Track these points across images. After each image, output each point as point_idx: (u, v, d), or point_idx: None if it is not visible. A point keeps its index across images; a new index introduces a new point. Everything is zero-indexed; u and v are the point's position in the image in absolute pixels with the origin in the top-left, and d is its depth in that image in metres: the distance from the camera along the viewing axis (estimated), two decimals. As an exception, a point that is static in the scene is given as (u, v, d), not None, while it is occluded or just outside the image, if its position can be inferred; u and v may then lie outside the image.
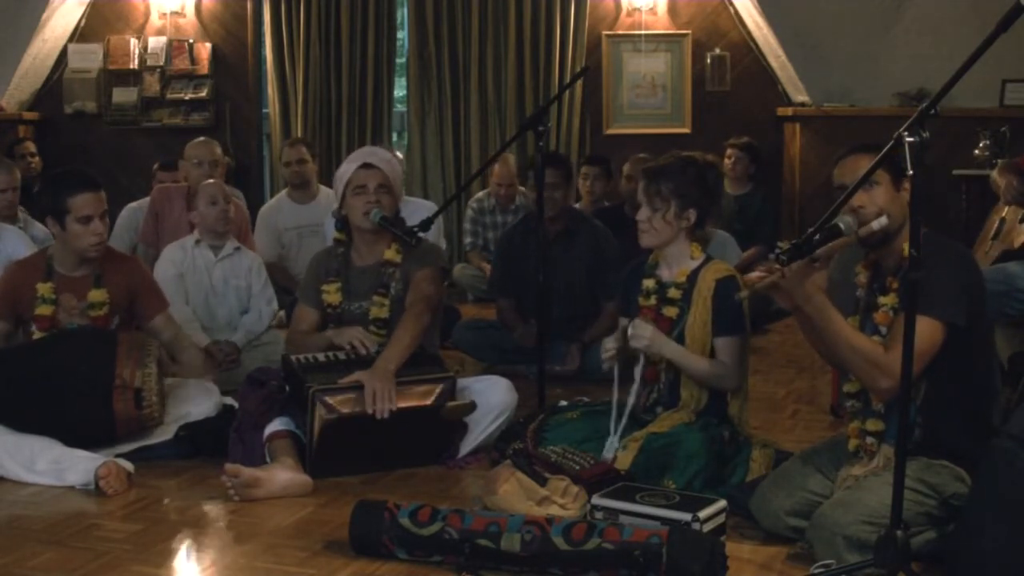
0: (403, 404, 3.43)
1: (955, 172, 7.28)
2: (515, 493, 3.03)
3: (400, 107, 8.82)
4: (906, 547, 2.45)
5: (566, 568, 2.67)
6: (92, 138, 8.57)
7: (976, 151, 7.31)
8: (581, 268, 5.01)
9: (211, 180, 5.08)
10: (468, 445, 3.68)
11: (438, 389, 3.53)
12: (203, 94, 8.47)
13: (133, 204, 6.05)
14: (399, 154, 6.43)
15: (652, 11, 8.05)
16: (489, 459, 3.59)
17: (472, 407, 3.61)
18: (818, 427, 4.09)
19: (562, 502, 3.02)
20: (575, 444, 3.33)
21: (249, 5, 8.42)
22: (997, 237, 4.52)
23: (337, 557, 2.84)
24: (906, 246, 2.47)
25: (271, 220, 6.37)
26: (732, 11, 7.99)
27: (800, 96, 7.90)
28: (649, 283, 3.46)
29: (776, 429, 4.01)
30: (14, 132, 8.34)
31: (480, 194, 7.21)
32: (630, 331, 3.35)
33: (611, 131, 8.18)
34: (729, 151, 7.10)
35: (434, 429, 3.59)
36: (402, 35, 8.61)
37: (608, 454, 3.28)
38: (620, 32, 8.12)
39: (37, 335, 3.76)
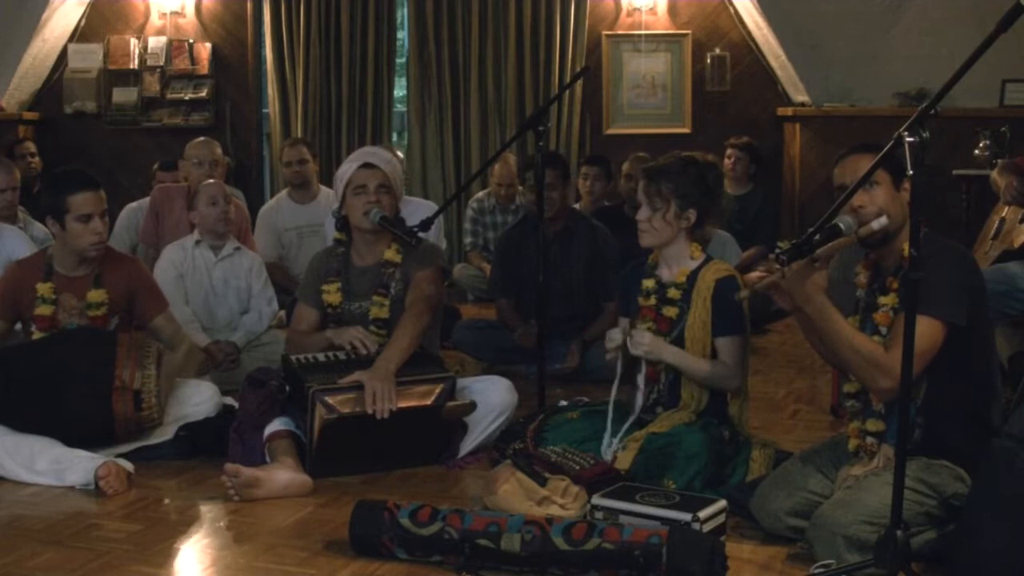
0: (403, 404, 3.43)
1: (955, 172, 7.28)
2: (515, 493, 3.03)
3: (400, 107, 8.82)
4: (906, 547, 2.46)
5: (566, 568, 2.67)
6: (92, 138, 8.57)
7: (976, 151, 7.31)
8: (580, 268, 5.01)
9: (211, 180, 5.08)
10: (468, 445, 3.69)
11: (438, 389, 3.53)
12: (203, 94, 8.47)
13: (133, 204, 6.05)
14: (400, 154, 6.43)
15: (652, 11, 8.06)
16: (489, 459, 3.59)
17: (472, 407, 3.61)
18: (818, 427, 4.09)
19: (562, 502, 3.02)
20: (575, 444, 3.33)
21: (249, 5, 8.42)
22: (997, 237, 4.52)
23: (337, 557, 2.84)
24: (906, 246, 2.47)
25: (271, 220, 6.37)
26: (732, 11, 7.99)
27: (800, 96, 7.91)
28: (649, 283, 3.46)
29: (776, 429, 4.01)
30: (14, 132, 8.35)
31: (480, 194, 7.21)
32: (629, 339, 3.35)
33: (611, 131, 8.18)
34: (729, 151, 7.09)
35: (434, 429, 3.59)
36: (402, 35, 8.61)
37: (606, 453, 3.28)
38: (620, 32, 8.13)
39: (37, 335, 3.76)
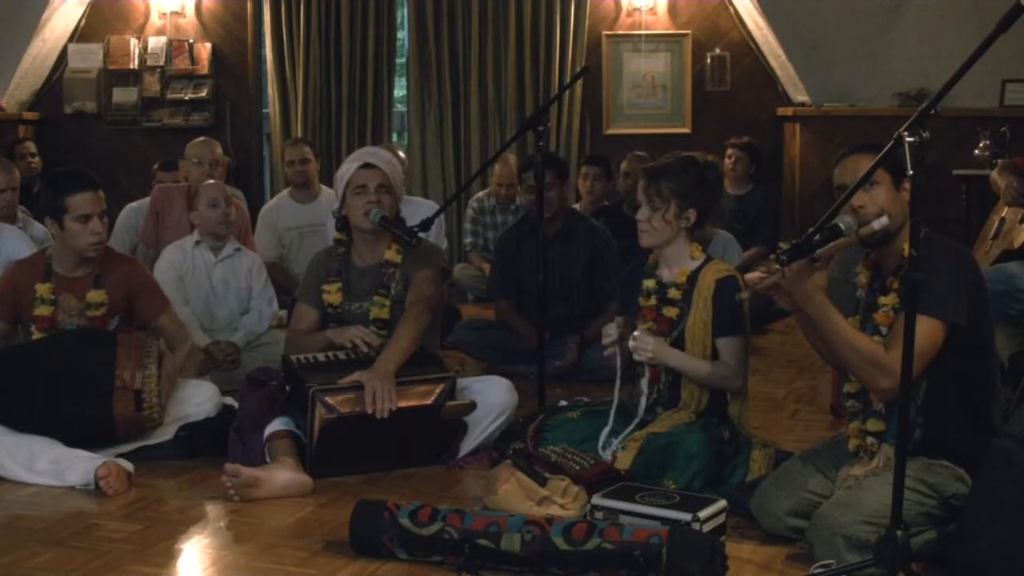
0: (403, 404, 3.43)
1: (955, 172, 7.27)
2: (515, 493, 3.03)
3: (400, 107, 8.82)
4: (906, 547, 2.46)
5: (566, 568, 2.67)
6: (92, 138, 8.58)
7: (976, 151, 7.30)
8: (579, 268, 5.01)
9: (212, 181, 5.07)
10: (468, 445, 3.69)
11: (438, 389, 3.53)
12: (203, 94, 8.47)
13: (133, 204, 6.05)
14: (402, 154, 6.42)
15: (652, 11, 8.06)
16: (489, 459, 3.59)
17: (472, 407, 3.61)
18: (818, 427, 4.09)
19: (562, 502, 3.02)
20: (575, 444, 3.33)
21: (249, 5, 8.42)
22: (997, 237, 4.52)
23: (337, 557, 2.84)
24: (906, 246, 2.47)
25: (272, 220, 6.37)
26: (732, 11, 7.99)
27: (800, 96, 7.90)
28: (649, 283, 3.46)
29: (776, 429, 4.00)
30: (14, 132, 8.35)
31: (480, 194, 7.21)
32: (632, 343, 3.34)
33: (611, 131, 8.18)
34: (729, 151, 7.10)
35: (434, 429, 3.59)
36: (402, 35, 8.61)
37: (605, 453, 3.28)
38: (620, 32, 8.12)
39: (36, 335, 3.76)
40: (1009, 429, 2.63)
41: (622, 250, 5.03)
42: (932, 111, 2.37)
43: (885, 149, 2.55)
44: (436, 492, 3.37)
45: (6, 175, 5.01)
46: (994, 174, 4.64)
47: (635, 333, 3.36)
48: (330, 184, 4.89)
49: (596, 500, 2.92)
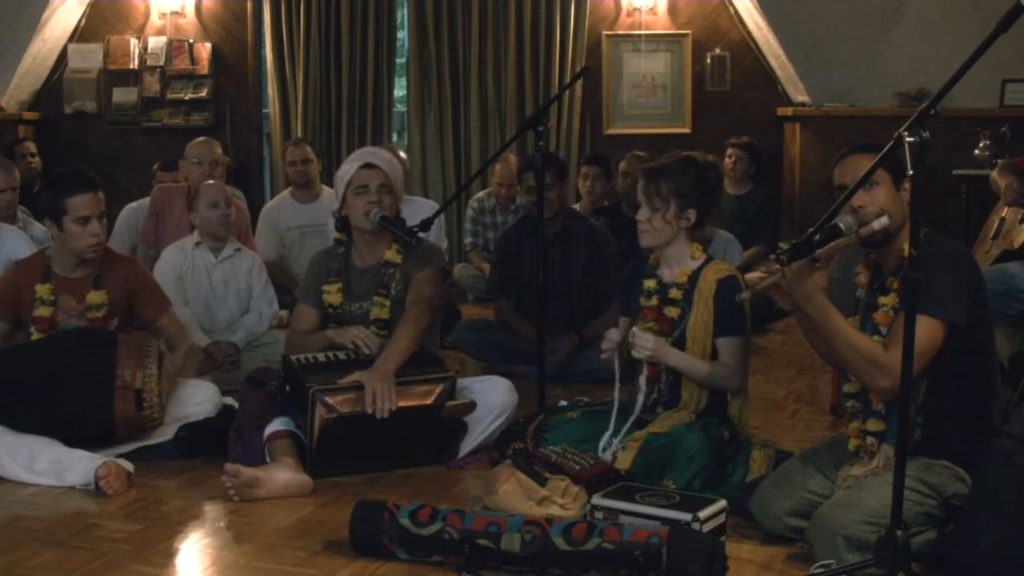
0: (403, 404, 3.43)
1: (955, 172, 7.27)
2: (515, 493, 3.03)
3: (400, 107, 8.82)
4: (906, 547, 2.46)
5: (566, 568, 2.67)
6: (92, 138, 8.58)
7: (976, 151, 7.30)
8: (579, 268, 5.01)
9: (212, 182, 5.07)
10: (468, 445, 3.69)
11: (438, 389, 3.53)
12: (203, 94, 8.47)
13: (133, 204, 6.05)
14: (403, 155, 6.43)
15: (652, 11, 8.06)
16: (489, 459, 3.59)
17: (472, 407, 3.61)
18: (818, 427, 4.09)
19: (562, 502, 3.02)
20: (575, 444, 3.33)
21: (249, 5, 8.43)
22: (997, 237, 4.52)
23: (337, 557, 2.84)
24: (906, 246, 2.46)
25: (273, 219, 6.38)
26: (732, 11, 7.99)
27: (800, 96, 7.90)
28: (650, 283, 3.45)
29: (776, 429, 4.00)
30: (14, 132, 8.35)
31: (480, 194, 7.21)
32: (632, 340, 3.34)
33: (611, 131, 8.18)
34: (730, 151, 7.10)
35: (434, 429, 3.59)
36: (402, 35, 8.61)
37: (605, 454, 3.28)
38: (620, 32, 8.12)
39: (36, 336, 3.75)
40: (1009, 429, 2.63)
41: (622, 250, 5.03)
42: (932, 111, 2.37)
43: (885, 149, 2.55)
44: (436, 492, 3.37)
45: (6, 175, 5.01)
46: (994, 174, 4.64)
47: (634, 330, 3.36)
48: (330, 184, 4.88)
49: (596, 500, 2.92)
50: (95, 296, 3.77)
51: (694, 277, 3.41)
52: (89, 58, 8.52)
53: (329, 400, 3.39)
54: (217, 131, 8.17)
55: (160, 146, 8.23)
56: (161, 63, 8.46)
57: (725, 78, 8.05)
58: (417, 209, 5.17)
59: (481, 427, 3.70)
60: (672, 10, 8.07)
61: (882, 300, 2.83)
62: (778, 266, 2.76)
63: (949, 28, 7.25)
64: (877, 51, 7.62)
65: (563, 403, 3.71)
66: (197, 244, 4.80)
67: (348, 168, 3.84)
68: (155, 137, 8.49)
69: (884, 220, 2.75)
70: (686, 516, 2.76)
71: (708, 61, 8.05)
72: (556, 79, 8.02)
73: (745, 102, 8.02)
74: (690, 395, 3.39)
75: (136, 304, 3.89)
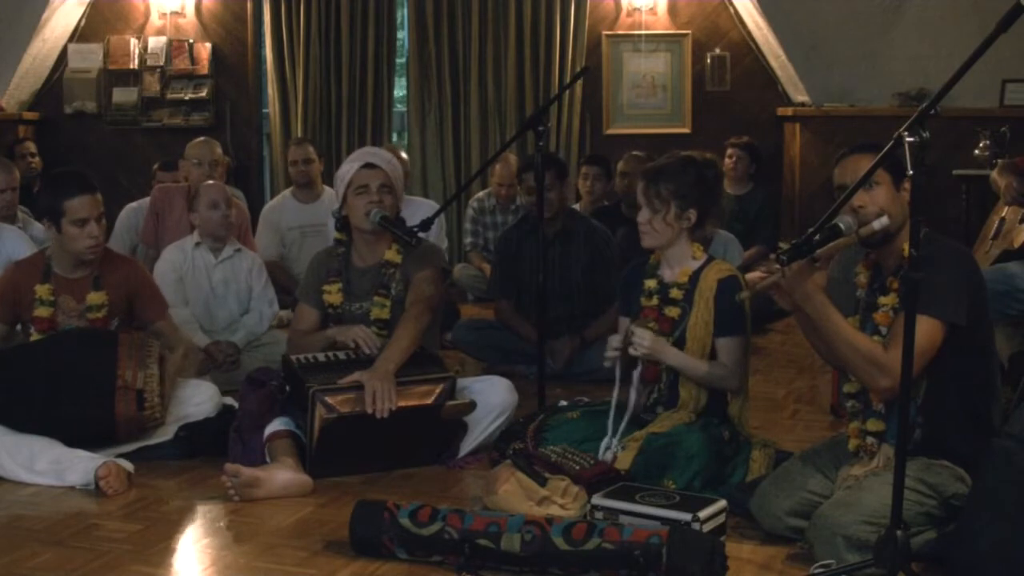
0: (403, 404, 3.43)
1: (955, 172, 7.28)
2: (515, 493, 3.03)
3: (400, 107, 8.83)
4: (906, 547, 2.46)
5: (566, 568, 2.67)
6: (92, 138, 8.58)
7: (976, 151, 7.31)
8: (579, 269, 5.01)
9: (212, 182, 5.06)
10: (468, 445, 3.69)
11: (438, 389, 3.53)
12: (203, 94, 8.47)
13: (133, 204, 6.05)
14: (404, 155, 6.42)
15: (652, 11, 8.06)
16: (489, 459, 3.59)
17: (472, 407, 3.61)
18: (818, 427, 4.09)
19: (562, 502, 3.02)
20: (575, 444, 3.33)
21: (249, 5, 8.43)
22: (997, 237, 4.52)
23: (337, 557, 2.84)
24: (906, 246, 2.47)
25: (274, 219, 6.38)
26: (732, 11, 7.99)
27: (800, 96, 7.91)
28: (651, 283, 3.45)
29: (776, 429, 4.00)
30: (14, 132, 8.35)
31: (480, 194, 7.21)
32: (629, 338, 3.34)
33: (611, 131, 8.18)
34: (730, 151, 7.10)
35: (434, 429, 3.59)
36: (402, 35, 8.61)
37: (606, 455, 3.28)
38: (620, 32, 8.12)
39: (36, 337, 3.75)
40: (1009, 429, 2.63)
41: (622, 249, 5.04)
42: (932, 111, 2.37)
43: (885, 149, 2.55)
44: (436, 492, 3.37)
45: (6, 175, 5.01)
46: (994, 174, 4.64)
47: (632, 327, 3.36)
48: (331, 184, 4.88)
49: (596, 500, 2.91)
50: (95, 297, 3.77)
51: (695, 277, 3.41)
52: (89, 58, 8.52)
53: (329, 400, 3.39)
54: (217, 131, 8.17)
55: (160, 146, 8.23)
56: (161, 63, 8.46)
57: (725, 78, 8.05)
58: (417, 209, 5.17)
59: (481, 427, 3.69)
60: (672, 10, 8.07)
61: (882, 300, 2.83)
62: (778, 266, 2.76)
63: (949, 28, 7.25)
64: (877, 51, 7.62)
65: (563, 403, 3.71)
66: (197, 244, 4.80)
67: (348, 168, 3.84)
68: (155, 137, 8.49)
69: (884, 220, 2.75)
70: (686, 516, 2.76)
71: (708, 61, 8.05)
72: (556, 79, 8.02)
73: (745, 102, 8.02)
74: (688, 394, 3.39)
75: (135, 305, 3.89)
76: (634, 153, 6.55)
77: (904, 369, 2.44)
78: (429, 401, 3.51)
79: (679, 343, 3.38)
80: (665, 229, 3.39)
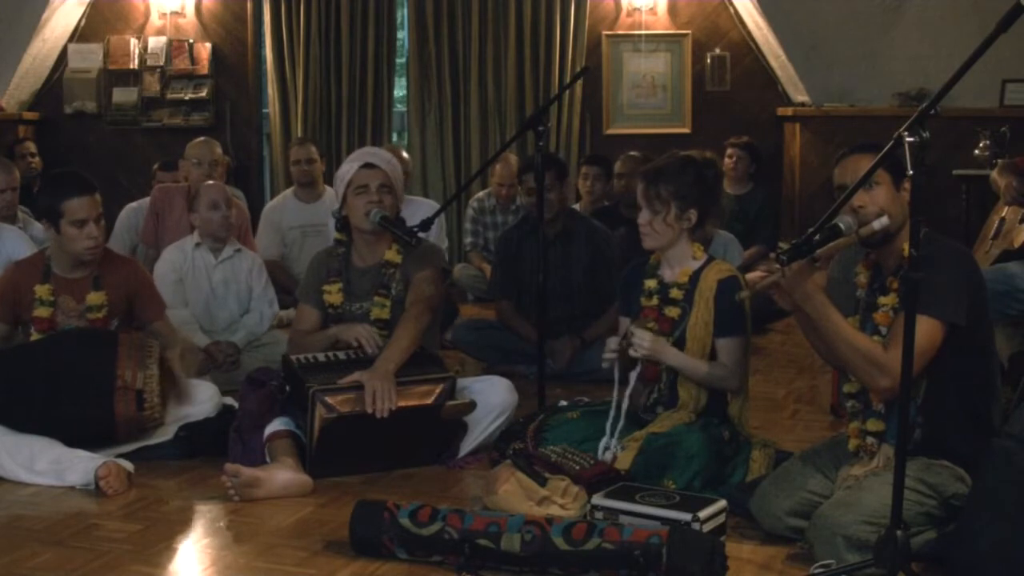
0: (403, 404, 3.43)
1: (955, 172, 7.28)
2: (515, 493, 3.03)
3: (400, 107, 8.83)
4: (906, 547, 2.46)
5: (566, 568, 2.67)
6: (92, 138, 8.58)
7: (976, 151, 7.31)
8: (579, 269, 5.01)
9: (212, 182, 5.06)
10: (468, 445, 3.69)
11: (438, 389, 3.53)
12: (203, 94, 8.47)
13: (133, 204, 6.05)
14: (405, 155, 6.42)
15: (652, 11, 8.06)
16: (489, 459, 3.59)
17: (472, 407, 3.61)
18: (818, 427, 4.09)
19: (562, 502, 3.02)
20: (575, 444, 3.33)
21: (249, 5, 8.43)
22: (997, 237, 4.52)
23: (337, 557, 2.84)
24: (906, 246, 2.47)
25: (276, 218, 6.38)
26: (732, 11, 7.99)
27: (800, 96, 7.91)
28: (651, 283, 3.45)
29: (776, 429, 4.00)
30: (14, 132, 8.35)
31: (480, 194, 7.21)
32: (629, 338, 3.34)
33: (611, 131, 8.18)
34: (730, 151, 7.10)
35: (434, 429, 3.59)
36: (402, 35, 8.61)
37: (605, 455, 3.28)
38: (620, 32, 8.13)
39: (35, 337, 3.75)
40: (1009, 429, 2.63)
41: (623, 249, 5.04)
42: (932, 111, 2.37)
43: (885, 149, 2.55)
44: (436, 492, 3.37)
45: (6, 175, 5.01)
46: (994, 174, 4.64)
47: (632, 328, 3.36)
48: (331, 184, 4.88)
49: (596, 500, 2.92)
50: (95, 297, 3.77)
51: (695, 277, 3.40)
52: (89, 58, 8.52)
53: (329, 400, 3.39)
54: (217, 131, 8.17)
55: (160, 146, 8.23)
56: (161, 63, 8.46)
57: (725, 78, 8.05)
58: (417, 209, 5.17)
59: (481, 427, 3.69)
60: (672, 10, 8.07)
61: (882, 300, 2.83)
62: (778, 266, 2.76)
63: (949, 28, 7.25)
64: (877, 51, 7.62)
65: (563, 403, 3.71)
66: (197, 245, 4.80)
67: (348, 168, 3.84)
68: (155, 137, 8.49)
69: (884, 220, 2.75)
70: (686, 516, 2.76)
71: (708, 61, 8.05)
72: (556, 79, 8.02)
73: (745, 102, 8.02)
74: (688, 394, 3.39)
75: (135, 305, 3.89)
76: (631, 154, 6.55)
77: (904, 369, 2.44)
78: (429, 401, 3.51)
79: (679, 343, 3.38)
80: (666, 230, 3.39)
